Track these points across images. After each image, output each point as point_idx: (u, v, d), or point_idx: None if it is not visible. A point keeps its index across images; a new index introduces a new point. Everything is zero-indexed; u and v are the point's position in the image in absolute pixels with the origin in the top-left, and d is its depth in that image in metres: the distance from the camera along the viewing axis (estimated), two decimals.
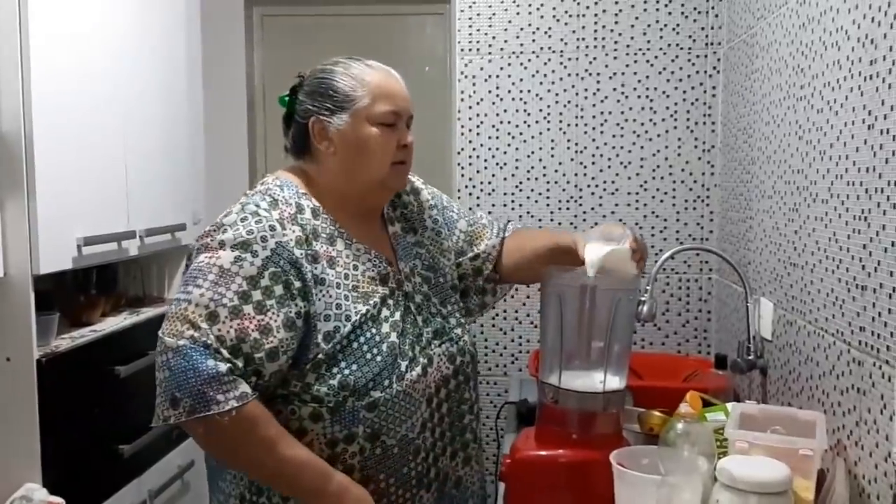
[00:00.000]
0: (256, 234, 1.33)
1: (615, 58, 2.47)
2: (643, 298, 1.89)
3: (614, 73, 2.47)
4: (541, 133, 2.50)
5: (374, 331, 1.39)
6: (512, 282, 1.71)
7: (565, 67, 2.48)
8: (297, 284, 1.34)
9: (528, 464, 1.48)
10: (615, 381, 1.50)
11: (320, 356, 1.35)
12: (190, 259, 1.39)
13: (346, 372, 1.35)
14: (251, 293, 1.30)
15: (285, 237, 1.35)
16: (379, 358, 1.38)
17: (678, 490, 1.25)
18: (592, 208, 2.51)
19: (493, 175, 2.53)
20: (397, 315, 1.44)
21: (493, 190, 2.53)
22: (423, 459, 1.43)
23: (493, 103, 2.51)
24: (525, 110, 2.50)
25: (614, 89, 2.48)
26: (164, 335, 1.30)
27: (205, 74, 2.71)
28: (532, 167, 2.51)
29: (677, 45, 2.45)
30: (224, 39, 2.97)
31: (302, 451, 1.32)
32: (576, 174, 2.51)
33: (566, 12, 2.47)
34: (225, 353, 1.27)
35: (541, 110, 2.50)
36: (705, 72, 2.45)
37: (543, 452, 1.48)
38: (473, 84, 2.51)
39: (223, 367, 1.26)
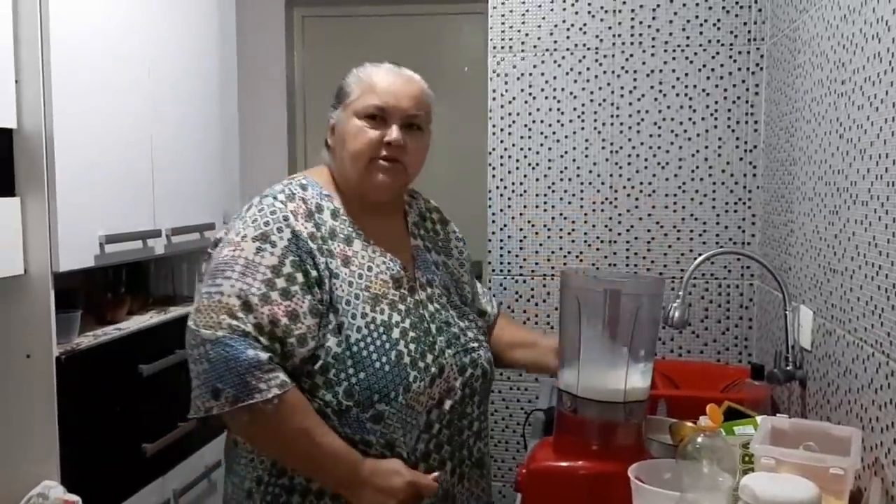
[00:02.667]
0: (272, 225, 1.36)
1: (652, 55, 2.39)
2: (675, 304, 1.82)
3: (651, 71, 2.39)
4: (574, 132, 2.43)
5: (384, 338, 1.38)
6: None
7: (600, 65, 2.41)
8: (314, 274, 1.36)
9: (545, 475, 1.42)
10: (637, 391, 1.43)
11: (329, 359, 1.34)
12: (209, 253, 1.42)
13: (353, 380, 1.34)
14: (275, 281, 1.32)
15: (297, 228, 1.38)
16: (387, 367, 1.36)
17: None
18: (628, 210, 2.43)
19: (525, 175, 2.47)
20: (408, 322, 1.42)
21: (525, 191, 2.47)
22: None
23: (526, 102, 2.45)
24: (559, 109, 2.44)
25: (651, 87, 2.39)
26: (198, 328, 1.30)
27: (244, 75, 2.71)
28: (565, 167, 2.45)
29: (718, 41, 2.36)
30: (264, 40, 2.99)
31: (336, 440, 1.33)
32: (611, 175, 2.43)
33: (602, 7, 2.39)
34: (264, 340, 1.29)
35: (575, 109, 2.43)
36: (748, 69, 2.35)
37: (561, 463, 1.42)
38: (506, 82, 2.46)
39: (264, 355, 1.28)
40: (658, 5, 2.37)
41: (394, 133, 1.42)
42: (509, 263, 2.49)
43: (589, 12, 2.40)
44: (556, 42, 2.43)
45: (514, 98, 2.45)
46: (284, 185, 1.46)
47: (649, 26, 2.38)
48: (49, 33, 1.67)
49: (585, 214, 2.45)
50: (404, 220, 1.57)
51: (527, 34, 2.44)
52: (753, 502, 1.12)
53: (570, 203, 2.45)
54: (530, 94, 2.45)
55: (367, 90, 1.44)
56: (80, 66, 1.78)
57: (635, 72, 2.40)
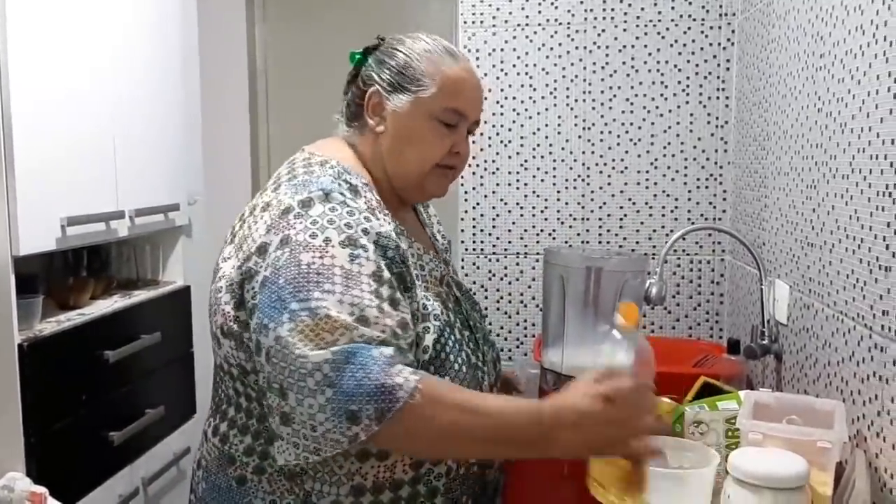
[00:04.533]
0: (356, 228, 1.15)
1: (624, 30, 2.37)
2: (652, 280, 1.81)
3: (623, 46, 2.37)
4: (547, 109, 2.41)
5: (454, 338, 1.26)
6: None
7: (572, 40, 2.39)
8: (408, 277, 1.20)
9: None
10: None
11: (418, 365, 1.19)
12: (262, 254, 1.16)
13: None
14: (381, 290, 1.13)
15: (382, 227, 1.18)
16: (465, 369, 1.24)
17: (686, 483, 1.18)
18: (601, 187, 2.42)
19: (498, 153, 2.44)
20: (458, 322, 1.31)
21: (498, 168, 2.44)
22: (491, 479, 1.35)
23: (498, 78, 2.42)
24: (531, 85, 2.41)
25: (623, 63, 2.38)
26: (306, 354, 1.05)
27: (204, 52, 2.63)
28: (538, 144, 2.42)
29: (689, 15, 2.35)
30: (225, 17, 2.89)
31: (491, 397, 1.18)
32: (583, 152, 2.42)
33: None
34: (384, 339, 1.10)
35: (547, 85, 2.40)
36: (719, 44, 2.34)
37: None
38: (477, 58, 2.42)
39: (388, 349, 1.08)
40: None
41: (465, 144, 1.32)
42: (482, 242, 2.47)
43: None
44: (527, 17, 2.39)
45: (485, 74, 2.42)
46: (333, 174, 1.24)
47: (621, 1, 2.36)
48: (6, 11, 1.59)
49: (558, 192, 2.43)
50: (414, 210, 1.45)
51: (498, 9, 2.40)
52: (743, 478, 1.11)
53: (542, 181, 2.43)
54: (502, 69, 2.42)
55: (449, 91, 1.27)
56: (38, 44, 1.70)
57: (607, 47, 2.38)
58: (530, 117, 2.42)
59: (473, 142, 1.58)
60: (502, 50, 2.41)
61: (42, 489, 1.63)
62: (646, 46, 2.37)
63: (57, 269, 2.05)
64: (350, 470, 1.18)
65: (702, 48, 2.35)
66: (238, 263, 1.19)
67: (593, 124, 2.41)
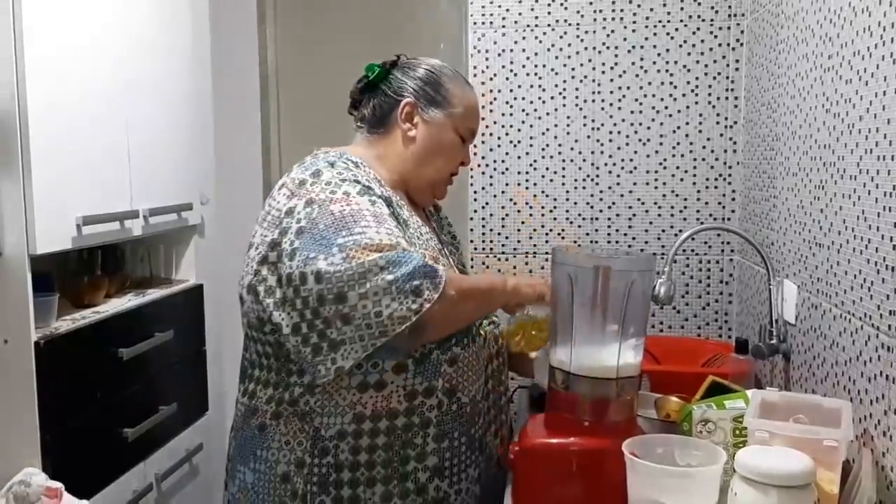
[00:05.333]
0: (363, 181, 1.40)
1: (633, 30, 2.38)
2: (661, 280, 1.82)
3: (633, 47, 2.38)
4: (556, 109, 2.42)
5: None
6: None
7: (582, 41, 2.40)
8: (406, 232, 1.43)
9: (538, 452, 1.41)
10: (629, 367, 1.43)
11: None
12: (289, 214, 1.37)
13: None
14: (397, 228, 1.37)
15: (382, 193, 1.43)
16: None
17: (693, 480, 1.19)
18: (609, 187, 2.43)
19: (507, 153, 2.45)
20: None
21: (507, 169, 2.46)
22: (481, 425, 1.50)
23: (507, 78, 2.43)
24: (540, 86, 2.42)
25: (633, 63, 2.39)
26: (363, 260, 1.27)
27: (215, 53, 2.65)
28: (547, 145, 2.44)
29: (699, 16, 2.35)
30: (235, 17, 2.91)
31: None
32: (592, 152, 2.43)
33: None
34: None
35: (556, 85, 2.42)
36: (728, 44, 2.35)
37: (553, 440, 1.42)
38: (486, 59, 2.44)
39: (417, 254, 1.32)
40: None
41: (469, 157, 1.60)
42: (491, 241, 2.48)
43: None
44: (537, 18, 2.41)
45: (494, 75, 2.43)
46: (337, 154, 1.47)
47: (630, 2, 2.37)
48: (22, 12, 1.61)
49: (567, 192, 2.44)
50: (423, 210, 1.64)
51: (507, 9, 2.42)
52: (750, 475, 1.12)
53: (551, 181, 2.44)
54: (511, 70, 2.43)
55: (469, 112, 1.55)
56: (53, 45, 1.72)
57: (616, 48, 2.39)
58: (539, 117, 2.43)
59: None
60: (511, 50, 2.42)
61: (58, 484, 1.65)
62: (655, 47, 2.38)
63: (71, 268, 2.07)
64: (351, 401, 1.38)
65: (711, 49, 2.36)
66: (267, 228, 1.39)
67: (602, 124, 2.41)
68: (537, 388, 2.03)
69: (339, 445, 1.39)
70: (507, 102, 2.44)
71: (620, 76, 2.39)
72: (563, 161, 2.43)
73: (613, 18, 2.38)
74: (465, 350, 1.45)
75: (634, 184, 2.42)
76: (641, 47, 2.38)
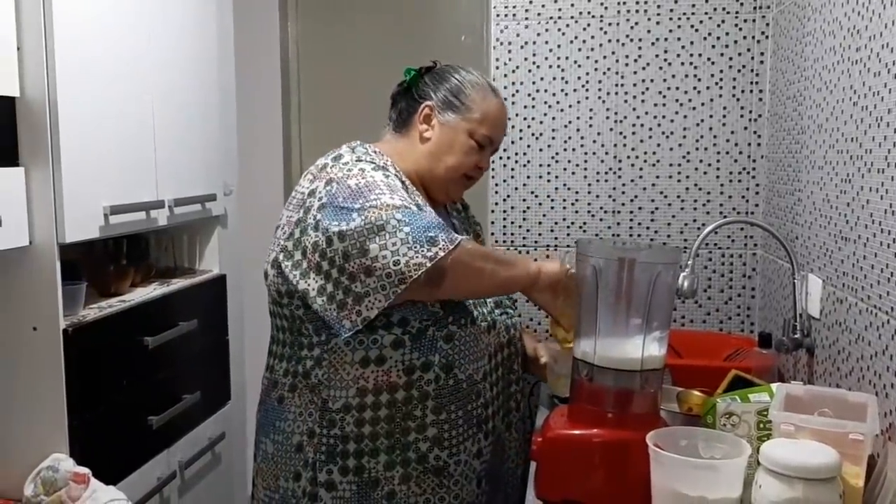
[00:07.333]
0: (379, 162, 1.52)
1: (658, 23, 2.37)
2: (684, 273, 1.82)
3: (657, 39, 2.37)
4: (579, 102, 2.42)
5: None
6: None
7: (605, 33, 2.39)
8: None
9: (561, 443, 1.42)
10: (654, 359, 1.43)
11: None
12: (312, 195, 1.47)
13: (437, 305, 1.49)
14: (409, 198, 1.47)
15: (387, 166, 1.54)
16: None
17: (718, 473, 1.19)
18: (632, 180, 2.42)
19: (529, 146, 2.45)
20: None
21: (529, 161, 2.46)
22: (482, 405, 1.55)
23: (530, 71, 2.43)
24: (563, 78, 2.42)
25: (656, 56, 2.38)
26: (381, 216, 1.37)
27: (238, 45, 2.67)
28: (569, 137, 2.43)
29: (723, 8, 2.34)
30: (258, 10, 2.93)
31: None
32: (615, 145, 2.42)
33: None
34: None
35: (579, 78, 2.41)
36: (753, 37, 2.33)
37: (577, 431, 1.42)
38: (509, 51, 2.43)
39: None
40: None
41: (487, 162, 1.67)
42: (512, 234, 2.48)
43: None
44: (560, 10, 2.40)
45: (517, 67, 2.43)
46: (353, 143, 1.58)
47: None
48: (52, 7, 1.63)
49: (589, 185, 2.44)
50: (443, 207, 1.71)
51: (530, 1, 2.41)
52: (775, 468, 1.12)
53: (573, 174, 2.44)
54: (534, 62, 2.42)
55: (486, 119, 1.62)
56: (81, 34, 1.74)
57: (640, 40, 2.38)
58: (562, 110, 2.43)
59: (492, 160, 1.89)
60: (534, 43, 2.42)
61: (86, 470, 1.68)
62: (679, 39, 2.36)
63: (97, 257, 2.09)
64: (355, 375, 1.47)
65: (736, 41, 2.34)
66: (293, 210, 1.49)
67: (625, 117, 2.41)
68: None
69: (345, 418, 1.47)
70: (529, 95, 2.43)
71: (644, 69, 2.38)
72: (586, 154, 2.43)
73: (637, 11, 2.37)
74: (463, 329, 1.51)
75: (657, 177, 2.41)
76: (665, 39, 2.37)
